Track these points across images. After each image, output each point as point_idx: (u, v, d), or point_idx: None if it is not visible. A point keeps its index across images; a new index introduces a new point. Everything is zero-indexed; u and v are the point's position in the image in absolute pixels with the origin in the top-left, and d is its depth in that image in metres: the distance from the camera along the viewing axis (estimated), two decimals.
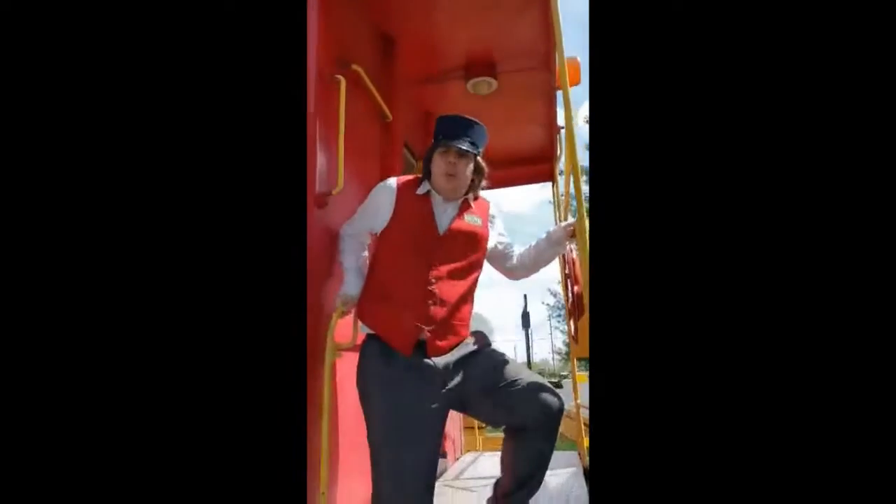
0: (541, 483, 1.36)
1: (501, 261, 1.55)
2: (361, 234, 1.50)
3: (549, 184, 3.64)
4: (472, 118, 1.41)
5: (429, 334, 1.30)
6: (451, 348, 1.34)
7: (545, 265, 1.60)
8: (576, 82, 2.57)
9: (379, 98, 2.02)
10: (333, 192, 1.52)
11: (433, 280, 1.32)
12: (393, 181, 1.44)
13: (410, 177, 1.47)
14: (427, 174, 1.42)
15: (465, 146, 1.35)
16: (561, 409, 1.34)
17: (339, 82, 1.58)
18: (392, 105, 2.18)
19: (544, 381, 1.39)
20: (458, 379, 1.32)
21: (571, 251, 1.97)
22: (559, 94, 2.80)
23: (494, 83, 2.62)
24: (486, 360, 1.37)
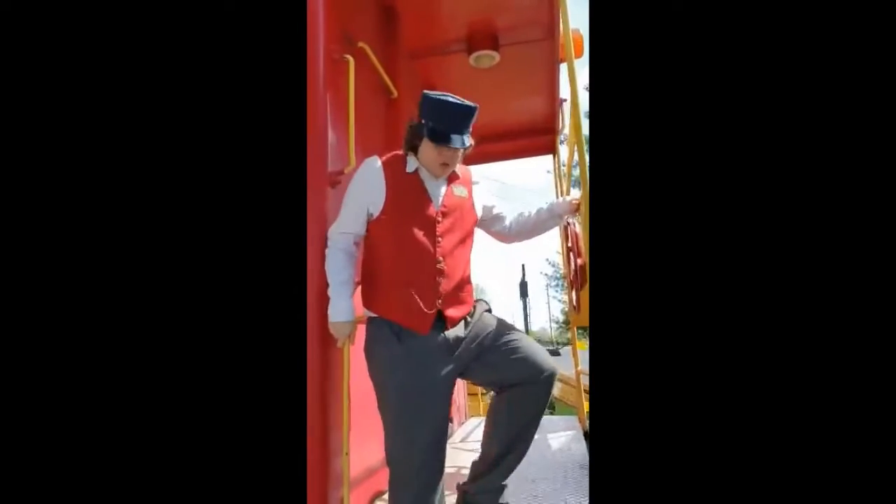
0: (527, 448, 1.37)
1: (493, 224, 1.56)
2: (354, 239, 1.41)
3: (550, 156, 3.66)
4: (463, 102, 1.31)
5: (444, 309, 1.32)
6: (462, 319, 1.38)
7: (541, 233, 1.63)
8: (578, 55, 2.58)
9: (385, 75, 2.05)
10: (346, 171, 1.56)
11: (440, 257, 1.34)
12: (375, 160, 1.38)
13: (390, 155, 1.42)
14: (412, 149, 1.37)
15: (464, 143, 1.31)
16: (554, 371, 1.38)
17: (347, 62, 1.61)
18: (396, 81, 2.20)
19: (539, 345, 1.42)
20: (463, 347, 1.35)
21: (574, 225, 2.03)
22: (560, 66, 2.81)
23: (497, 56, 2.62)
24: (483, 324, 1.40)
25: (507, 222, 1.58)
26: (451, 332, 1.34)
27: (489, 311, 1.47)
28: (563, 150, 3.39)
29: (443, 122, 1.30)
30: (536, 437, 1.51)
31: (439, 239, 1.35)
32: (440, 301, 1.32)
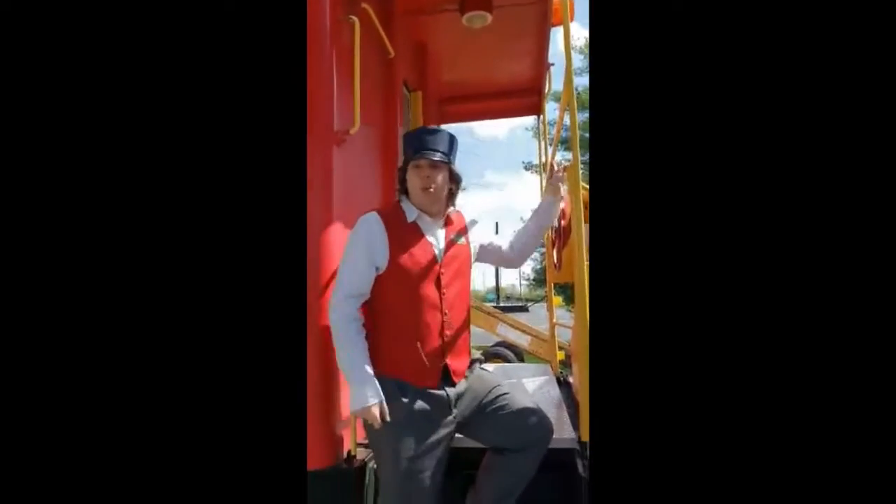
0: (516, 498, 1.41)
1: (494, 256, 1.59)
2: (360, 302, 1.36)
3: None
4: (437, 127, 1.42)
5: (449, 362, 1.35)
6: (466, 371, 1.41)
7: (537, 242, 1.64)
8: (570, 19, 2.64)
9: (384, 35, 2.09)
10: (351, 131, 1.65)
11: (446, 309, 1.35)
12: (373, 215, 1.37)
13: (387, 207, 1.44)
14: (405, 192, 1.41)
15: (437, 157, 1.35)
16: (548, 436, 1.41)
17: (353, 23, 1.66)
18: (392, 41, 2.24)
19: (535, 405, 1.44)
20: (463, 404, 1.38)
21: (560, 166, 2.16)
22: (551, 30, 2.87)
23: (489, 17, 2.66)
24: (479, 382, 1.43)
25: (506, 247, 1.60)
26: (453, 389, 1.36)
27: (481, 361, 1.51)
28: (548, 112, 3.49)
29: (414, 144, 1.38)
30: (513, 380, 1.67)
31: (444, 291, 1.36)
32: (446, 353, 1.35)
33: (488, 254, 1.57)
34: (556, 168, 1.61)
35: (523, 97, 3.55)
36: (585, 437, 1.51)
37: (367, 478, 1.55)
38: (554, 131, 2.45)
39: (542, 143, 3.37)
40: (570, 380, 2.50)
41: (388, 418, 1.28)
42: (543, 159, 3.22)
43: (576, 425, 1.76)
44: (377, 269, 1.34)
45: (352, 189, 1.70)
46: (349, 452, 1.52)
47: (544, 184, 1.84)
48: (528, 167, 16.64)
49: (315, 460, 1.44)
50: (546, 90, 3.26)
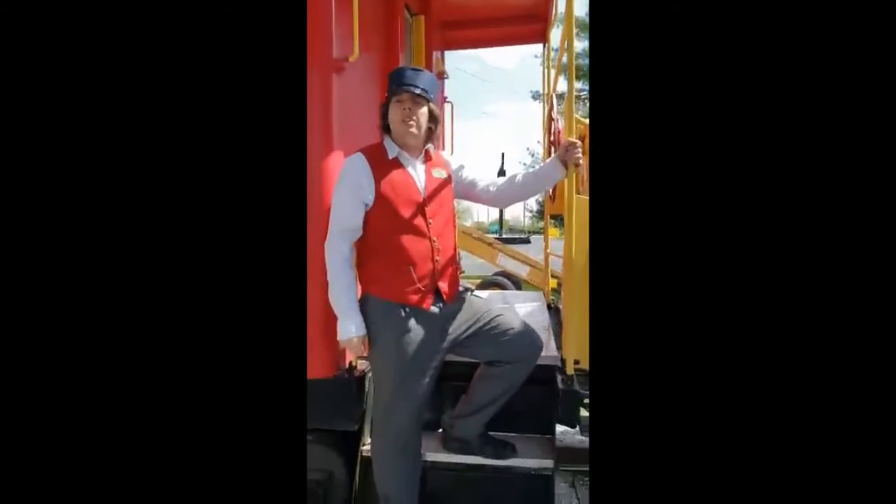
0: (494, 412, 1.61)
1: (476, 192, 1.64)
2: (353, 237, 1.47)
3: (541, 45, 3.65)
4: (420, 67, 1.46)
5: (440, 285, 1.48)
6: (456, 295, 1.54)
7: (522, 199, 1.70)
8: None
9: None
10: (350, 59, 1.65)
11: (434, 237, 1.46)
12: (358, 155, 1.46)
13: (368, 146, 1.50)
14: (387, 129, 1.48)
15: (417, 91, 1.41)
16: (538, 351, 1.58)
17: None
18: None
19: (525, 322, 1.60)
20: (454, 324, 1.52)
21: (558, 121, 2.18)
22: None
23: None
24: (472, 305, 1.57)
25: (489, 189, 1.63)
26: (447, 309, 1.50)
27: (471, 291, 1.63)
28: (555, 38, 3.39)
29: (396, 79, 1.44)
30: (506, 305, 1.79)
31: (430, 220, 1.47)
32: (437, 277, 1.47)
33: (467, 191, 1.64)
34: (569, 145, 1.54)
35: (529, 23, 3.43)
36: (566, 356, 1.66)
37: (366, 387, 1.72)
38: (558, 54, 2.41)
39: (546, 72, 3.30)
40: (560, 306, 2.64)
41: (366, 353, 1.45)
42: (547, 89, 3.18)
43: (559, 345, 1.91)
44: (366, 205, 1.44)
45: (351, 118, 1.73)
46: (350, 363, 1.68)
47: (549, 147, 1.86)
48: (536, 97, 16.16)
49: (317, 370, 1.59)
50: (552, 16, 3.15)
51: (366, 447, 1.71)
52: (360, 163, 1.44)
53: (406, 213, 1.44)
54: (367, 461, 1.67)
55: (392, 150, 1.49)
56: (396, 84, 1.43)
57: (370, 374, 1.68)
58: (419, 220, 1.46)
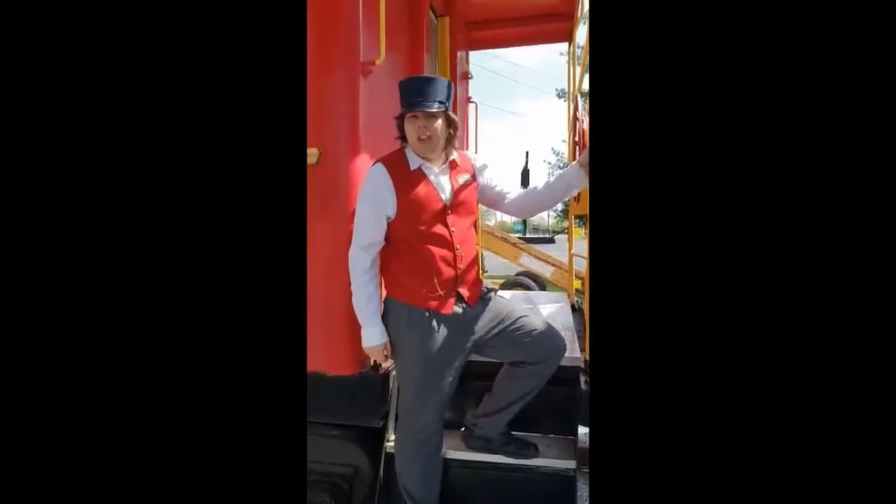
0: (517, 411, 1.62)
1: (501, 204, 1.65)
2: (377, 251, 1.51)
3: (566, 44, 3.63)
4: (431, 75, 1.47)
5: (462, 291, 1.50)
6: (479, 297, 1.56)
7: (545, 208, 1.72)
8: None
9: None
10: (377, 62, 1.68)
11: (458, 246, 1.48)
12: (379, 167, 1.47)
13: (390, 155, 1.51)
14: (405, 139, 1.49)
15: (433, 108, 1.40)
16: (562, 351, 1.58)
17: None
18: None
19: (548, 323, 1.61)
20: (478, 325, 1.54)
21: (583, 121, 2.17)
22: None
23: None
24: (496, 306, 1.58)
25: (512, 199, 1.63)
26: (470, 311, 1.52)
27: (495, 291, 1.65)
28: (580, 36, 3.37)
29: (407, 95, 1.42)
30: (529, 306, 1.79)
31: (453, 229, 1.48)
32: (459, 283, 1.50)
33: (492, 201, 1.65)
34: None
35: (555, 22, 3.41)
36: (589, 357, 1.66)
37: (391, 384, 1.75)
38: (582, 57, 2.40)
39: (572, 70, 3.28)
40: (583, 307, 2.63)
41: (389, 361, 1.53)
42: (572, 88, 3.16)
43: (582, 347, 1.91)
44: (388, 217, 1.46)
45: (377, 119, 1.76)
46: (375, 362, 1.71)
47: (573, 155, 1.84)
48: (562, 95, 15.99)
49: (344, 367, 1.63)
50: (578, 13, 3.13)
51: (390, 443, 1.74)
52: (381, 176, 1.45)
53: (429, 223, 1.46)
54: (391, 457, 1.71)
55: (414, 162, 1.49)
56: (408, 102, 1.42)
57: (394, 372, 1.71)
58: (442, 230, 1.48)
